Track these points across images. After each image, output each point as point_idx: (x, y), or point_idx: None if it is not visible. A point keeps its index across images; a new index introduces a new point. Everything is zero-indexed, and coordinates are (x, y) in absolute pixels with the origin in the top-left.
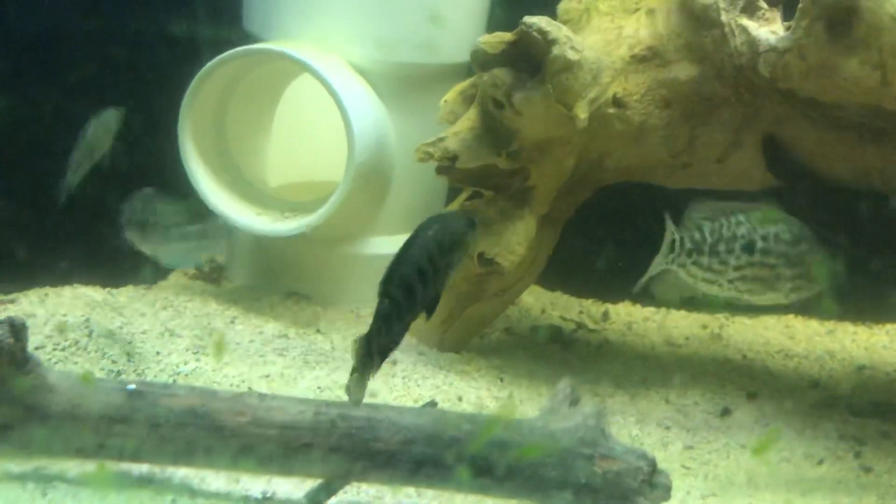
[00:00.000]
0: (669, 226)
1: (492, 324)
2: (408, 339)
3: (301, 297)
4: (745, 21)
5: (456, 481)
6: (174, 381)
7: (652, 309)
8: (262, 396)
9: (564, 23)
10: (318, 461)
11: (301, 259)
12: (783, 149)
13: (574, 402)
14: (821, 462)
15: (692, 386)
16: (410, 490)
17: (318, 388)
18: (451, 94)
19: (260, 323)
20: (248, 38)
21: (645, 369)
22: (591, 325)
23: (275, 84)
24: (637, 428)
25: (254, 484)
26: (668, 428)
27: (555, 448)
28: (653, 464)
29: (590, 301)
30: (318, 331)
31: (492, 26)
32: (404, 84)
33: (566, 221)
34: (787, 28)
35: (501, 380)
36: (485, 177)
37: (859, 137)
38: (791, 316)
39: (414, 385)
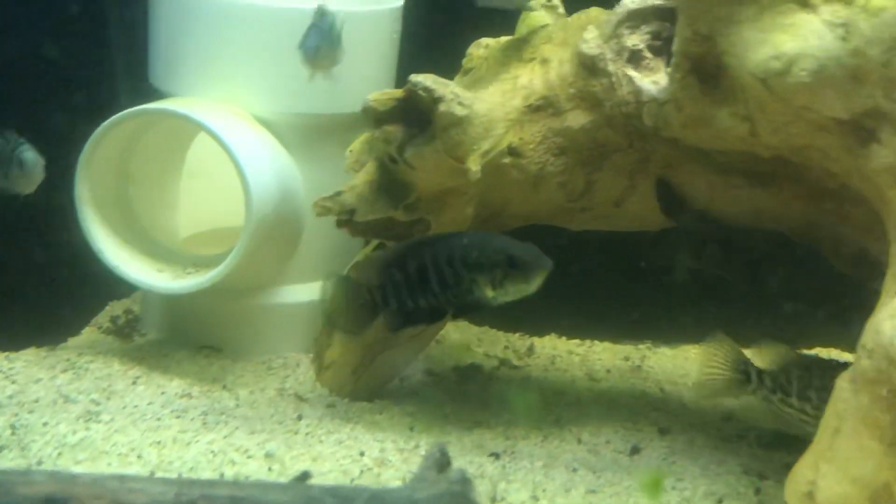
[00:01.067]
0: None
1: (412, 366)
2: (319, 390)
3: (212, 351)
4: (630, 71)
5: None
6: (59, 453)
7: (577, 341)
8: (122, 478)
9: (468, 70)
10: None
11: (211, 312)
12: (676, 192)
13: (443, 466)
14: (720, 500)
15: (606, 423)
16: None
17: (212, 452)
18: (357, 143)
19: (163, 382)
20: (154, 92)
21: (562, 406)
22: (515, 361)
23: (179, 137)
24: (542, 473)
25: None
26: (575, 470)
27: None
28: None
29: (517, 335)
30: (225, 387)
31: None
32: (312, 134)
33: None
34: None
35: (412, 428)
36: (385, 228)
37: (747, 180)
38: None
39: (316, 442)
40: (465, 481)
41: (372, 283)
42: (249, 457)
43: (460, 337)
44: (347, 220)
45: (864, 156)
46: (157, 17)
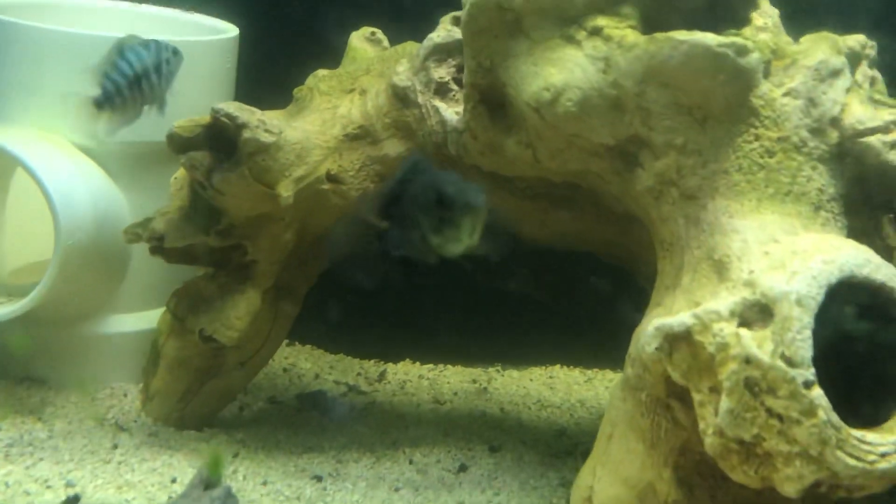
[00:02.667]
0: None
1: (255, 392)
2: (143, 420)
3: (34, 382)
4: (437, 102)
5: None
6: None
7: (430, 366)
8: None
9: (297, 100)
10: None
11: (35, 340)
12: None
13: (210, 485)
14: None
15: (441, 443)
16: None
17: (6, 483)
18: (181, 170)
19: None
20: None
21: (402, 429)
22: (364, 387)
23: (3, 165)
24: (362, 493)
25: None
26: (397, 490)
27: None
28: None
29: (372, 361)
30: (40, 419)
31: None
32: (139, 162)
33: (310, 289)
34: None
35: (236, 455)
36: (200, 255)
37: (551, 204)
38: (557, 366)
39: (127, 470)
40: (228, 497)
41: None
42: (48, 487)
43: (312, 365)
44: (158, 246)
45: (630, 179)
46: None
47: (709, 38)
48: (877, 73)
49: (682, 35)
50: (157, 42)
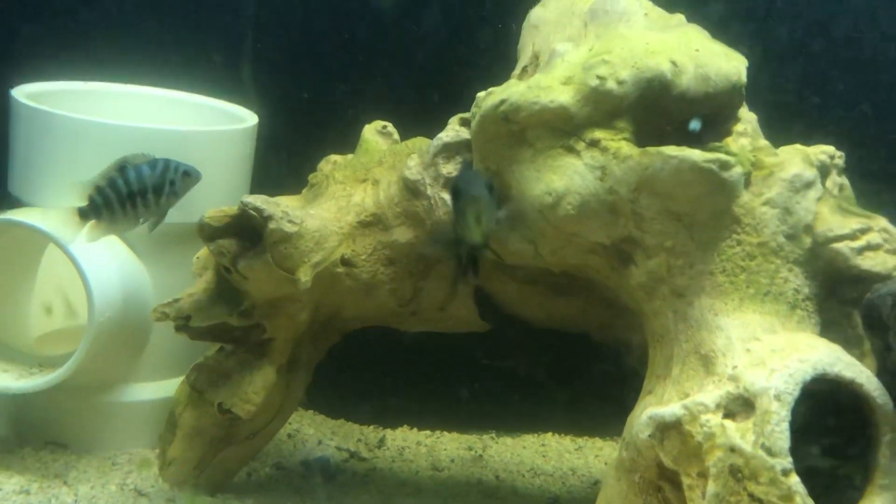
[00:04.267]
0: None
1: (262, 458)
2: (160, 486)
3: (58, 447)
4: (445, 195)
5: None
6: None
7: (427, 432)
8: None
9: (312, 186)
10: None
11: (58, 408)
12: (491, 299)
13: None
14: None
15: None
16: None
17: None
18: (204, 250)
19: (2, 479)
20: (15, 200)
21: (402, 497)
22: (365, 454)
23: (31, 243)
24: None
25: None
26: None
27: None
28: None
29: (371, 427)
30: (65, 482)
31: None
32: (163, 242)
33: (319, 363)
34: None
35: None
36: (222, 332)
37: (551, 290)
38: (549, 434)
39: None
40: None
41: None
42: None
43: (315, 431)
44: (184, 325)
45: (625, 275)
46: (15, 131)
47: (696, 154)
48: (845, 181)
49: (671, 150)
50: (166, 162)
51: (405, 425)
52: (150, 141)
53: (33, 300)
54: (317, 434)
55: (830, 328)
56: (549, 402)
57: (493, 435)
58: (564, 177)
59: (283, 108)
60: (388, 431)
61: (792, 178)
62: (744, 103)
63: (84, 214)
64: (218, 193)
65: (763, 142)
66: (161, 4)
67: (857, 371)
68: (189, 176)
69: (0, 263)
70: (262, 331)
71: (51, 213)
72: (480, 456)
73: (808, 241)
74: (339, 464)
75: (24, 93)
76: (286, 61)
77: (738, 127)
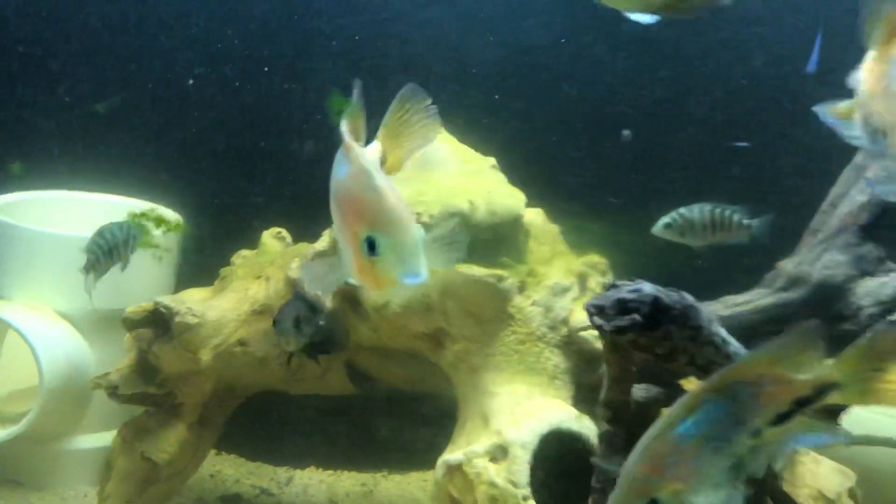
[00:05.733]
0: None
1: (186, 493)
2: None
3: (17, 484)
4: (319, 290)
5: None
6: None
7: (330, 471)
8: None
9: (222, 279)
10: None
11: (16, 454)
12: (358, 369)
13: None
14: None
15: None
16: None
17: None
18: (129, 334)
19: None
20: None
21: None
22: (274, 490)
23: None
24: None
25: None
26: None
27: None
28: None
29: (283, 468)
30: None
31: None
32: (101, 323)
33: (226, 420)
34: None
35: None
36: (144, 398)
37: (403, 361)
38: (430, 471)
39: None
40: None
41: None
42: None
43: (234, 471)
44: (113, 392)
45: (440, 355)
46: None
47: (479, 271)
48: (609, 278)
49: (463, 268)
50: (129, 224)
51: (312, 466)
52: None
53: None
54: (235, 474)
55: (586, 392)
56: (425, 447)
57: (385, 473)
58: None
59: (205, 211)
60: (297, 472)
61: (553, 285)
62: (545, 219)
63: (87, 270)
64: (144, 282)
65: (562, 247)
66: (100, 123)
67: (584, 426)
68: (140, 230)
69: None
70: (175, 397)
71: (8, 304)
72: (371, 491)
73: (564, 330)
74: (251, 498)
75: None
76: (211, 171)
77: (544, 238)
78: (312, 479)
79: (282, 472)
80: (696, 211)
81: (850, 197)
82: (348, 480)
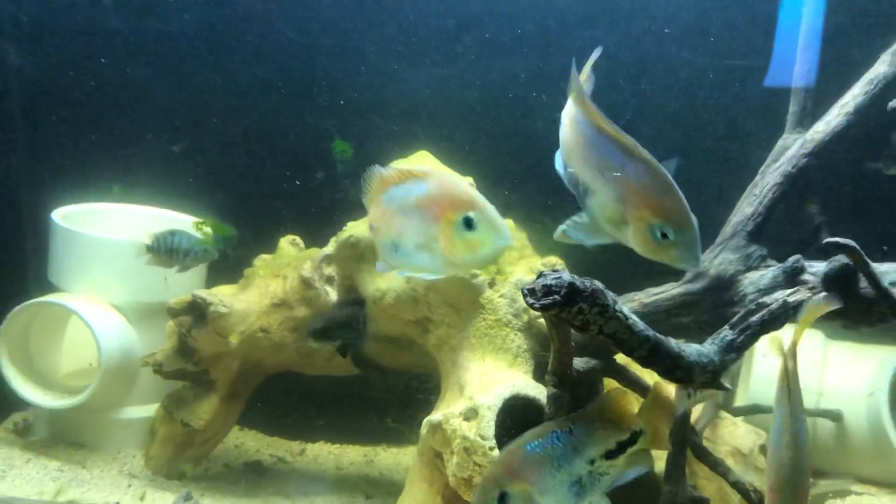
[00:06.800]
0: None
1: (215, 460)
2: (145, 472)
3: (78, 445)
4: (327, 287)
5: None
6: None
7: (338, 445)
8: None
9: (245, 278)
10: None
11: (79, 420)
12: (360, 354)
13: (187, 499)
14: None
15: (335, 493)
16: None
17: (71, 501)
18: (171, 322)
19: (46, 462)
20: (50, 285)
21: (313, 485)
22: (289, 459)
23: (61, 314)
24: None
25: None
26: None
27: None
28: None
29: (297, 442)
30: (84, 467)
31: None
32: (146, 314)
33: (252, 394)
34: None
35: (202, 495)
36: (183, 375)
37: (397, 346)
38: None
39: (136, 499)
40: (188, 498)
41: None
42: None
43: (255, 444)
44: (159, 369)
45: (426, 338)
46: (54, 242)
47: None
48: None
49: None
50: (197, 239)
51: (321, 440)
52: (132, 251)
53: (62, 352)
54: (256, 445)
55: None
56: (418, 425)
57: (384, 446)
58: (386, 281)
59: (234, 222)
60: (309, 445)
61: (516, 281)
62: (515, 227)
63: (149, 249)
64: (184, 280)
65: (528, 251)
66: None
67: (539, 392)
68: (207, 252)
69: (43, 328)
70: (209, 374)
71: (72, 296)
72: (372, 460)
73: (525, 317)
74: (270, 465)
75: (59, 214)
76: (238, 191)
77: (517, 242)
78: (322, 450)
79: (295, 445)
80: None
81: (740, 210)
82: (352, 452)
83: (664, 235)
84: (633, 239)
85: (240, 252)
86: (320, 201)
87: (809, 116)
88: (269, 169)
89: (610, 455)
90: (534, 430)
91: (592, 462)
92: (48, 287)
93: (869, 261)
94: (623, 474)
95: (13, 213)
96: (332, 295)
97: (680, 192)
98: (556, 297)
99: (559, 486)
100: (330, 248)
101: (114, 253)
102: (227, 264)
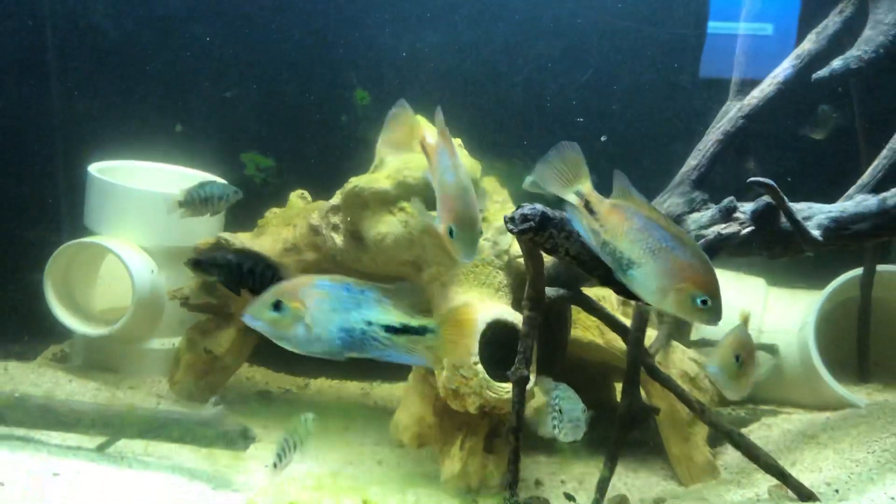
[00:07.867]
0: None
1: (230, 390)
2: (170, 395)
3: (113, 372)
4: (333, 234)
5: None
6: None
7: (337, 381)
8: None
9: (259, 227)
10: None
11: (111, 350)
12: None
13: (217, 403)
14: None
15: (337, 416)
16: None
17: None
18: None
19: (86, 382)
20: (85, 230)
21: (316, 411)
22: (295, 391)
23: (99, 254)
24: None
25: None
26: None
27: (196, 421)
28: (243, 430)
29: (301, 377)
30: (118, 388)
31: None
32: (170, 256)
33: None
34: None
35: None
36: (207, 307)
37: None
38: None
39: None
40: (220, 411)
41: None
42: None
43: (262, 377)
44: (185, 302)
45: (420, 276)
46: (90, 191)
47: None
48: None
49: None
50: (225, 184)
51: (323, 377)
52: (160, 201)
53: (97, 288)
54: (265, 379)
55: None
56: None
57: (379, 382)
58: (386, 226)
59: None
60: (312, 380)
61: (499, 226)
62: (497, 183)
63: (180, 203)
64: (203, 226)
65: (510, 204)
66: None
67: (516, 318)
68: (237, 193)
69: (81, 268)
70: (228, 307)
71: (108, 238)
72: (368, 393)
73: (506, 258)
74: (277, 395)
75: (96, 168)
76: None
77: (497, 198)
78: (323, 385)
79: (300, 380)
80: None
81: (687, 163)
82: (351, 387)
83: (703, 302)
84: (674, 303)
85: (278, 181)
86: (326, 157)
87: (749, 86)
88: (280, 129)
89: (390, 329)
90: (336, 276)
91: (369, 323)
92: (83, 232)
93: (785, 198)
94: (399, 352)
95: (51, 167)
96: (338, 241)
97: (714, 270)
98: (531, 223)
99: (328, 323)
100: (336, 199)
101: (144, 202)
102: (269, 190)
